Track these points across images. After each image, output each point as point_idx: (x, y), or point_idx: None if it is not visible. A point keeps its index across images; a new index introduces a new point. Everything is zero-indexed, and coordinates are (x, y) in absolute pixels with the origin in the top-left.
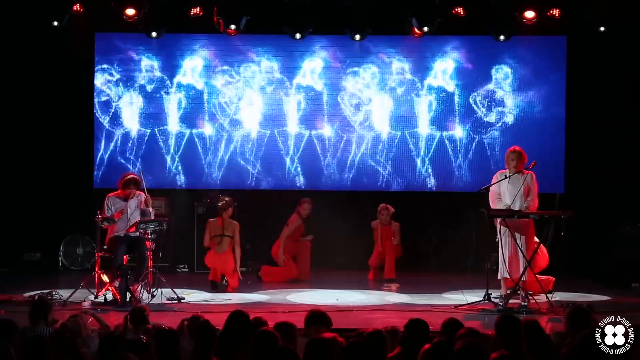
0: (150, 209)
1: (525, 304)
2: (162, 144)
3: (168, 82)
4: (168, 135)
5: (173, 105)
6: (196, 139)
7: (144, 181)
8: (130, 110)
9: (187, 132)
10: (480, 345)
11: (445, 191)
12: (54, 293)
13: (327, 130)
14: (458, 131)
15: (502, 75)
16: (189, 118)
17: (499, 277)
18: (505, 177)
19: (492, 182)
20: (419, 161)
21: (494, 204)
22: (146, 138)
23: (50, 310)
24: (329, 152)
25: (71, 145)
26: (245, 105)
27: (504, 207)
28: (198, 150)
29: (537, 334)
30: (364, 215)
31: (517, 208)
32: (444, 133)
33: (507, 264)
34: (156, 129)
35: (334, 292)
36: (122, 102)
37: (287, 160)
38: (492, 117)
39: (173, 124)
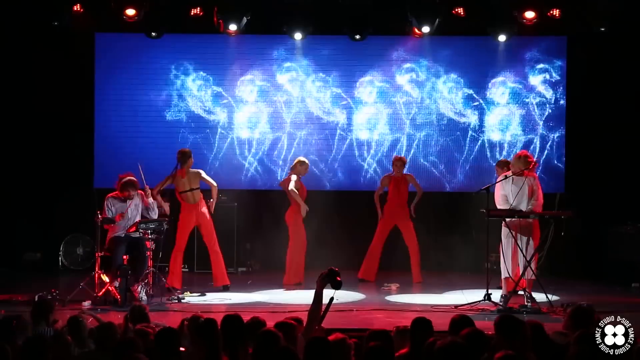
0: (151, 200)
1: (528, 304)
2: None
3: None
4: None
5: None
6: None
7: (143, 176)
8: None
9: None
10: (460, 344)
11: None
12: (54, 293)
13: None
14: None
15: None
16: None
17: (502, 277)
18: (509, 178)
19: (493, 182)
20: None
21: (500, 206)
22: None
23: (52, 310)
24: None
25: (71, 144)
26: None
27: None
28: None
29: (541, 337)
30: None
31: (520, 208)
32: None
33: (507, 264)
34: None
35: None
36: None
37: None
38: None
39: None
